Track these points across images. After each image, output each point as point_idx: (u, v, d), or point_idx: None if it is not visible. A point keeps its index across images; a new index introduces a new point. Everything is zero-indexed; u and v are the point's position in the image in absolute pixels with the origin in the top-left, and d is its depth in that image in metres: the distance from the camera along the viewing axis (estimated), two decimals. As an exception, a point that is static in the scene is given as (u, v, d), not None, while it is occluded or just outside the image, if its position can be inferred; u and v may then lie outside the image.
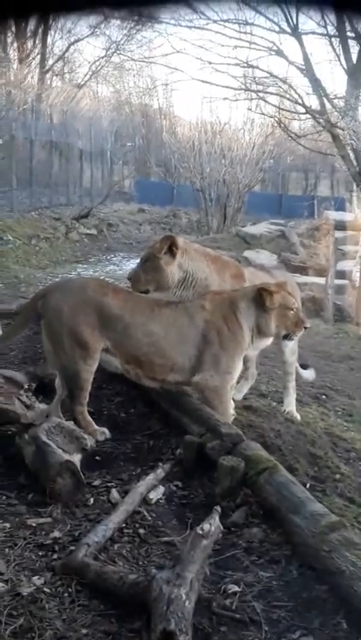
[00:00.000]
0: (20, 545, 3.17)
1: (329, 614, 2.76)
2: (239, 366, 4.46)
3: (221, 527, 3.23)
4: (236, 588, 2.93)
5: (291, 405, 5.14)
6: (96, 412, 4.73)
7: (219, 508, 3.35)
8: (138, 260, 5.05)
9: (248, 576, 3.03)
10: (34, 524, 3.36)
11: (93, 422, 4.40)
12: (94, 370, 4.41)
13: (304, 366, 5.54)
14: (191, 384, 4.47)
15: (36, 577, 2.93)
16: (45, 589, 2.85)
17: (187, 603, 2.61)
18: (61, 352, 4.41)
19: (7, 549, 3.12)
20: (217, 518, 3.23)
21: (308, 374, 5.56)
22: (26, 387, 4.33)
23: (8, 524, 3.34)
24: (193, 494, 3.79)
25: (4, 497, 3.61)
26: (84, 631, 2.63)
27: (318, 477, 4.06)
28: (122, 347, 4.42)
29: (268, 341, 4.63)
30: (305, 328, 4.55)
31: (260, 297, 4.36)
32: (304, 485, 3.66)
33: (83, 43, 31.13)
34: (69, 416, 4.39)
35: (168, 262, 4.61)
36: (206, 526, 3.11)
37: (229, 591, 2.91)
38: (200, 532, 3.05)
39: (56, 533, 3.30)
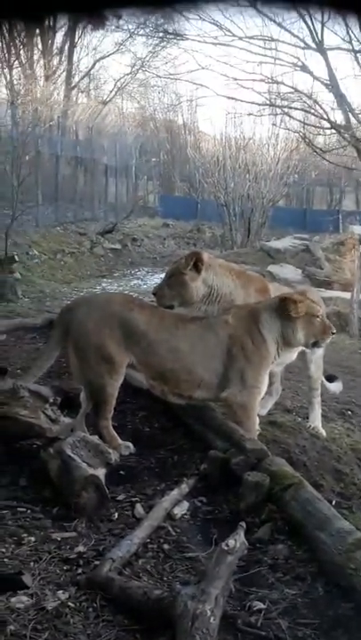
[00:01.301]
0: (45, 559, 3.18)
1: (355, 632, 2.73)
2: (266, 380, 4.44)
3: (246, 543, 3.21)
4: (261, 605, 2.91)
5: (316, 421, 5.11)
6: (120, 426, 4.74)
7: (244, 524, 3.33)
8: (162, 275, 5.09)
9: (273, 593, 3.02)
10: (58, 539, 3.37)
11: (118, 436, 4.41)
12: (119, 384, 4.42)
13: (331, 378, 5.51)
14: (219, 400, 4.47)
15: (61, 591, 2.93)
16: (70, 604, 2.85)
17: (212, 619, 2.60)
18: (87, 366, 4.42)
19: (32, 563, 3.13)
20: (242, 534, 3.21)
21: (336, 387, 5.52)
22: (51, 401, 4.35)
23: (33, 538, 3.35)
24: (218, 510, 3.78)
25: (29, 511, 3.62)
26: (108, 646, 2.63)
27: (344, 494, 4.03)
28: (147, 363, 4.43)
29: (294, 356, 4.62)
30: (333, 334, 4.54)
31: (283, 307, 4.35)
32: (330, 502, 3.64)
33: (108, 59, 31.56)
34: (94, 430, 4.40)
35: (193, 278, 4.63)
36: (231, 542, 3.09)
37: (254, 608, 2.90)
38: (225, 547, 3.03)
39: (80, 548, 3.30)
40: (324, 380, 5.32)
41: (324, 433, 4.97)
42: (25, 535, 3.38)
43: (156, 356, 4.41)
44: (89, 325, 4.40)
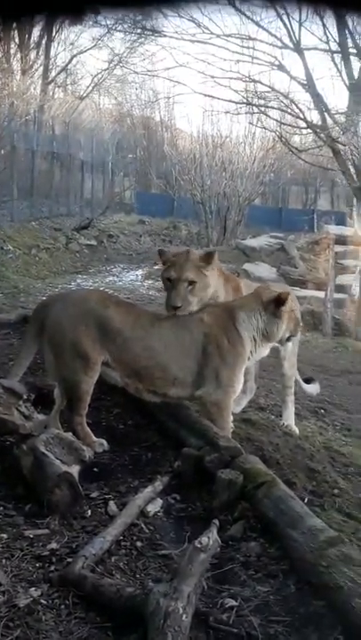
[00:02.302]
0: (18, 556, 3.16)
1: (326, 630, 2.75)
2: (241, 379, 4.45)
3: (219, 541, 3.22)
4: (233, 603, 2.92)
5: (289, 419, 5.14)
6: (94, 423, 4.73)
7: (217, 522, 3.35)
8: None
9: (245, 590, 3.03)
10: (31, 536, 3.35)
11: (92, 434, 4.40)
12: (94, 381, 4.41)
13: (308, 380, 5.54)
14: (194, 398, 4.48)
15: (33, 588, 2.92)
16: (42, 601, 2.84)
17: (184, 617, 2.60)
18: (62, 363, 4.41)
19: (4, 560, 3.11)
20: (215, 532, 3.22)
21: (313, 389, 5.55)
22: (25, 397, 4.32)
23: (5, 535, 3.33)
24: (191, 507, 3.79)
25: (1, 508, 3.60)
26: (80, 643, 2.63)
27: (316, 492, 4.05)
28: (121, 360, 4.42)
29: (266, 351, 4.63)
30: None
31: (278, 301, 4.38)
32: (302, 500, 3.66)
33: (85, 55, 31.36)
34: (68, 427, 4.38)
35: (213, 278, 4.63)
36: (204, 540, 3.10)
37: (227, 605, 2.90)
38: (198, 545, 3.04)
39: (53, 545, 3.29)
40: (300, 381, 5.35)
41: (297, 431, 5.00)
42: (-3, 532, 3.37)
43: (130, 353, 4.41)
44: (64, 322, 4.39)
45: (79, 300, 4.59)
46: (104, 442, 4.42)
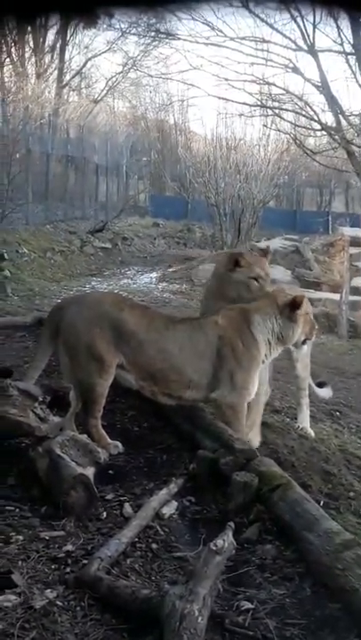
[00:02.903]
0: (33, 558, 3.17)
1: (342, 633, 2.75)
2: (256, 381, 4.45)
3: (235, 543, 3.22)
4: (249, 605, 2.92)
5: (304, 422, 5.13)
6: (109, 425, 4.74)
7: (232, 524, 3.34)
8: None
9: (261, 593, 3.02)
10: (47, 537, 3.36)
11: (107, 436, 4.41)
12: (109, 384, 4.43)
13: (321, 384, 5.52)
14: (209, 401, 4.48)
15: (49, 590, 2.93)
16: (58, 603, 2.85)
17: (199, 619, 2.60)
18: (77, 365, 4.43)
19: (20, 562, 3.12)
20: (230, 534, 3.22)
21: (326, 393, 5.54)
22: (40, 399, 4.34)
23: (21, 537, 3.34)
24: (206, 510, 3.79)
25: (17, 509, 3.61)
26: (96, 645, 2.63)
27: (332, 495, 4.04)
28: (136, 363, 4.43)
29: (277, 353, 4.63)
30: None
31: (294, 305, 4.40)
32: (318, 503, 3.65)
33: (100, 58, 31.52)
34: (83, 429, 4.39)
35: None
36: (220, 542, 3.10)
37: (242, 608, 2.90)
38: (213, 547, 3.04)
39: (69, 547, 3.30)
40: (313, 385, 5.34)
41: (312, 433, 4.99)
42: (13, 534, 3.37)
43: (145, 356, 4.42)
44: (79, 325, 4.41)
45: (94, 303, 4.61)
46: (119, 444, 4.43)
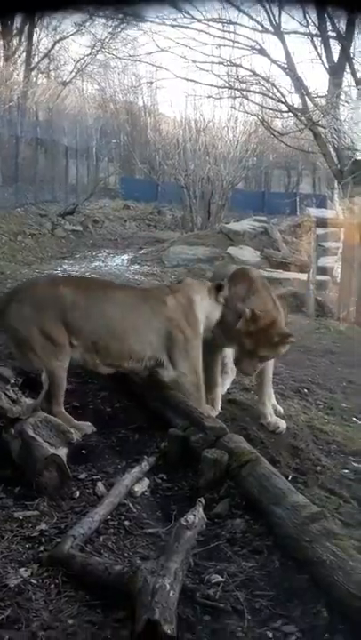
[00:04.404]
0: (7, 537, 3.17)
1: (310, 603, 2.79)
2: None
3: (205, 518, 3.25)
4: (219, 578, 2.95)
5: (271, 398, 5.12)
6: (82, 406, 4.74)
7: (202, 500, 3.37)
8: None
9: (231, 566, 3.06)
10: (21, 517, 3.36)
11: (72, 419, 4.36)
12: (66, 367, 4.40)
13: None
14: (169, 381, 4.56)
15: (23, 569, 2.94)
16: (32, 581, 2.86)
17: (171, 593, 2.62)
18: (33, 356, 4.42)
19: (-6, 542, 3.13)
20: (201, 510, 3.25)
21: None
22: (12, 381, 4.32)
23: (-5, 517, 3.35)
24: (177, 487, 3.81)
25: (-10, 490, 3.61)
26: (70, 621, 2.64)
27: (300, 469, 4.08)
28: (81, 334, 4.43)
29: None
30: None
31: (218, 289, 4.66)
32: (286, 477, 3.69)
33: (68, 40, 30.85)
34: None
35: None
36: (190, 518, 3.13)
37: (213, 581, 2.94)
38: (184, 523, 3.07)
39: (43, 526, 3.30)
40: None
41: (281, 410, 5.01)
42: (-14, 514, 3.37)
43: (87, 324, 4.45)
44: (26, 317, 4.39)
45: (31, 292, 4.61)
46: (90, 424, 4.41)
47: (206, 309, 4.64)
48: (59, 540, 3.13)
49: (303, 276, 12.81)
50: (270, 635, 2.65)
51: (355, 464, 4.33)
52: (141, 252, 17.89)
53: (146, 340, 4.53)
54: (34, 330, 4.35)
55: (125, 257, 17.03)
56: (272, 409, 4.70)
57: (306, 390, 5.88)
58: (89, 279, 4.79)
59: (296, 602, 2.82)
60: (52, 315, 4.37)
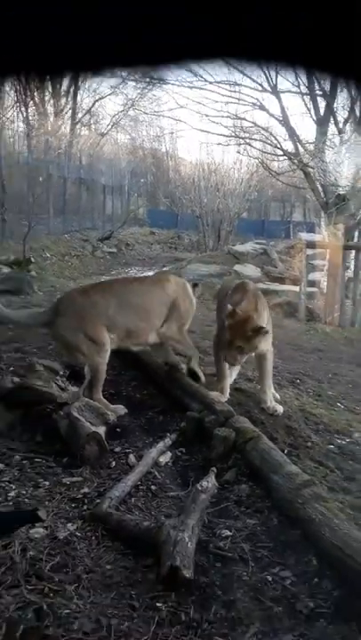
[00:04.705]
0: (57, 498, 3.19)
1: (302, 553, 2.77)
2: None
3: (216, 484, 3.25)
4: (228, 533, 2.95)
5: (270, 387, 5.09)
6: (116, 393, 4.74)
7: (214, 469, 3.37)
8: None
9: (238, 523, 3.05)
10: (68, 482, 3.38)
11: (109, 404, 4.35)
12: (107, 361, 4.39)
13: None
14: (158, 337, 4.68)
15: (70, 524, 2.95)
16: (77, 534, 2.87)
17: (189, 544, 2.63)
18: (80, 355, 4.39)
19: (47, 502, 3.14)
20: (213, 477, 3.25)
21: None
22: (61, 373, 4.35)
23: (48, 482, 3.36)
24: (194, 458, 3.81)
25: (44, 461, 3.62)
26: (107, 567, 2.65)
27: (293, 445, 4.05)
28: (116, 327, 4.45)
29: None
30: None
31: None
32: (282, 451, 3.67)
33: (105, 100, 30.89)
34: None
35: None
36: (204, 483, 3.13)
37: (223, 535, 2.93)
38: (199, 488, 3.07)
39: (85, 489, 3.32)
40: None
41: (278, 396, 4.98)
42: (41, 480, 3.39)
43: (121, 316, 4.46)
44: (72, 326, 4.35)
45: (69, 305, 4.49)
46: (123, 407, 4.40)
47: (191, 295, 4.83)
48: (98, 500, 3.14)
49: (296, 288, 12.73)
50: (270, 578, 2.64)
51: (338, 441, 4.29)
52: (164, 269, 17.90)
53: (160, 313, 4.62)
54: (80, 335, 4.33)
55: (151, 273, 17.05)
56: (271, 396, 4.66)
57: (298, 381, 5.84)
58: (106, 282, 4.82)
59: (291, 552, 2.81)
60: (93, 320, 4.36)
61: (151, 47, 0.69)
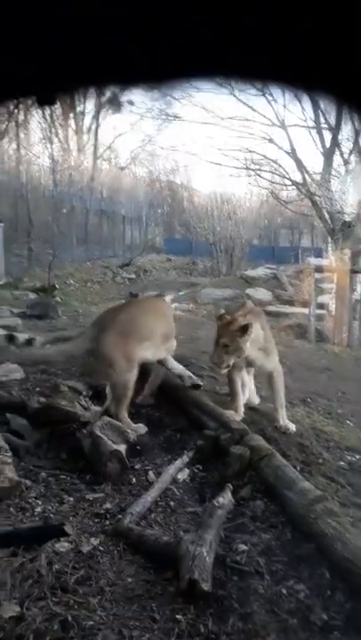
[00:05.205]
0: (81, 514, 3.19)
1: (315, 567, 2.73)
2: None
3: (232, 500, 3.23)
4: (244, 547, 2.91)
5: (283, 406, 5.03)
6: (136, 412, 4.73)
7: (230, 486, 3.35)
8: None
9: (253, 538, 3.01)
10: (91, 498, 3.37)
11: (131, 423, 4.32)
12: (135, 378, 4.39)
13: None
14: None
15: (93, 538, 2.94)
16: (100, 548, 2.86)
17: (207, 558, 2.61)
18: (112, 372, 4.32)
19: (71, 517, 3.14)
20: (229, 493, 3.23)
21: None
22: (84, 393, 4.37)
23: (72, 498, 3.36)
24: (210, 475, 3.78)
25: (68, 478, 3.62)
26: (129, 580, 2.63)
27: (306, 462, 4.01)
28: (152, 338, 4.54)
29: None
30: None
31: None
32: (295, 468, 3.63)
33: (125, 136, 31.61)
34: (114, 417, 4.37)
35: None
36: (221, 500, 3.11)
37: (239, 549, 2.90)
38: (216, 504, 3.05)
39: (107, 505, 3.31)
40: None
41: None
42: (66, 496, 3.39)
43: (141, 332, 4.48)
44: (111, 344, 4.30)
45: (102, 327, 4.43)
46: (143, 426, 4.39)
47: None
48: (120, 516, 3.13)
49: (305, 311, 12.70)
50: (285, 591, 2.60)
51: (349, 457, 4.24)
52: (180, 293, 17.92)
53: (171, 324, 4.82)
54: (118, 353, 4.30)
55: (168, 297, 17.10)
56: (284, 414, 4.61)
57: (309, 399, 5.79)
58: (124, 304, 4.98)
59: (304, 566, 2.77)
60: (129, 339, 4.35)
61: (151, 47, 0.70)
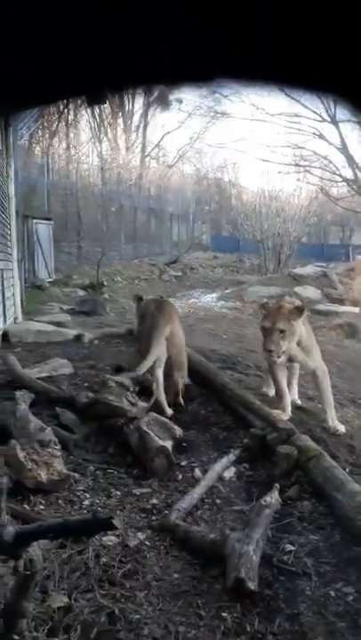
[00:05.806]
0: (128, 508, 3.22)
1: (364, 570, 2.67)
2: None
3: (280, 500, 3.19)
4: (291, 547, 2.88)
5: (331, 406, 4.94)
6: (184, 410, 4.75)
7: (277, 485, 3.31)
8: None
9: (301, 538, 2.98)
10: (138, 493, 3.41)
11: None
12: None
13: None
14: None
15: (140, 533, 2.97)
16: (147, 543, 2.88)
17: (253, 557, 2.59)
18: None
19: (118, 511, 3.18)
20: (276, 493, 3.19)
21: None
22: (131, 389, 4.40)
23: (119, 493, 3.40)
24: (257, 474, 3.75)
25: (115, 472, 3.67)
26: (175, 576, 2.65)
27: (355, 463, 3.93)
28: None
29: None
30: None
31: None
32: (344, 470, 3.56)
33: (173, 134, 31.76)
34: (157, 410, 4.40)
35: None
36: (268, 499, 3.08)
37: (286, 550, 2.87)
38: (263, 503, 3.02)
39: (154, 500, 3.33)
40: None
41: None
42: (113, 490, 3.44)
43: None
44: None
45: (166, 317, 4.85)
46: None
47: None
48: (166, 511, 3.15)
49: (356, 309, 12.46)
50: (333, 594, 2.56)
51: None
52: (226, 291, 17.87)
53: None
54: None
55: (214, 295, 17.06)
56: (333, 414, 4.52)
57: (359, 400, 5.67)
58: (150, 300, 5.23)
59: (353, 568, 2.71)
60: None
61: (151, 48, 0.70)
